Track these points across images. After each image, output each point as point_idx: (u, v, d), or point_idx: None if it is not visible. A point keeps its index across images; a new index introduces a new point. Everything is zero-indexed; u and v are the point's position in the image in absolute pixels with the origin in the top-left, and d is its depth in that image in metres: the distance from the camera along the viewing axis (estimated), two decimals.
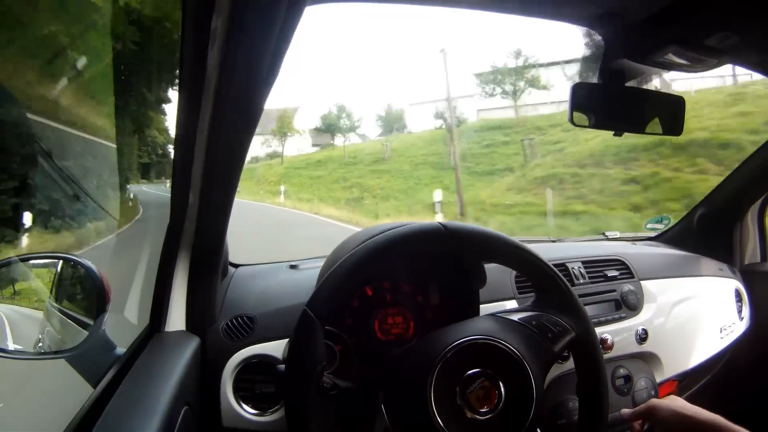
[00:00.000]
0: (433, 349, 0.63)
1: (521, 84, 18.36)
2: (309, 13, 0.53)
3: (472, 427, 0.59)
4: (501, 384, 0.61)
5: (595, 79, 0.75)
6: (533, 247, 0.73)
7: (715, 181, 1.54)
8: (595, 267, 1.22)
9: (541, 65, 18.27)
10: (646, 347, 1.14)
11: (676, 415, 0.78)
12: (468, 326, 0.68)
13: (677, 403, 0.80)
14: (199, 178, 0.73)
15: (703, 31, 0.63)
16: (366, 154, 21.46)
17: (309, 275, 1.05)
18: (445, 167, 16.51)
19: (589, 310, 0.73)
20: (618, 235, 1.63)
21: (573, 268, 1.18)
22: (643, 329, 1.14)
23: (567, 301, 0.74)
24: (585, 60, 0.77)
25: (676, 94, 0.82)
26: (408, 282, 1.02)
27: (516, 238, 0.74)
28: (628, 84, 0.77)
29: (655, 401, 0.84)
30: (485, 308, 1.00)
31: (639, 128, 0.84)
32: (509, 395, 0.60)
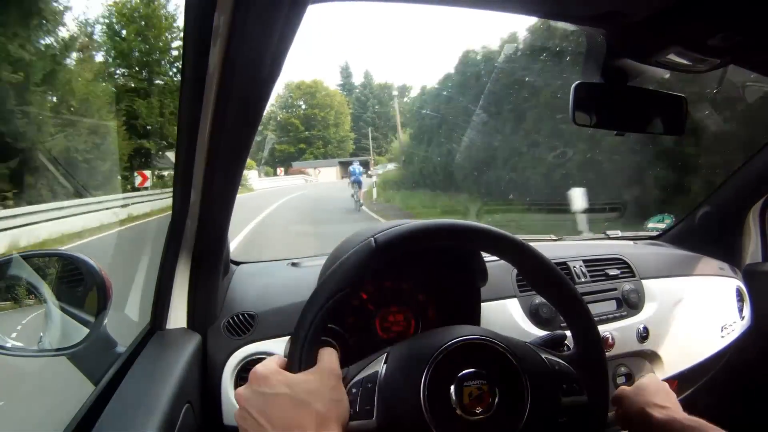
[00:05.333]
0: (429, 347, 0.63)
1: None
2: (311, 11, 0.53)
3: (464, 428, 0.59)
4: (496, 386, 0.60)
5: (596, 79, 0.75)
6: (537, 246, 0.73)
7: None
8: (597, 266, 1.22)
9: None
10: (647, 345, 1.14)
11: (637, 411, 0.77)
12: (469, 328, 0.68)
13: (645, 397, 0.78)
14: (200, 176, 0.73)
15: (706, 31, 0.62)
16: None
17: (310, 273, 1.05)
18: None
19: (591, 309, 0.72)
20: (619, 234, 1.63)
21: (574, 266, 1.18)
22: (644, 327, 1.14)
23: (598, 371, 0.70)
24: (587, 59, 0.76)
25: (677, 93, 0.82)
26: (409, 280, 1.02)
27: (520, 236, 0.74)
28: (630, 83, 0.76)
29: (625, 391, 0.82)
30: (487, 306, 1.01)
31: (641, 128, 0.84)
32: (503, 398, 0.60)
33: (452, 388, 0.59)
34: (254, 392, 0.55)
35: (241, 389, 0.58)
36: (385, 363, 0.63)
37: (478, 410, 0.59)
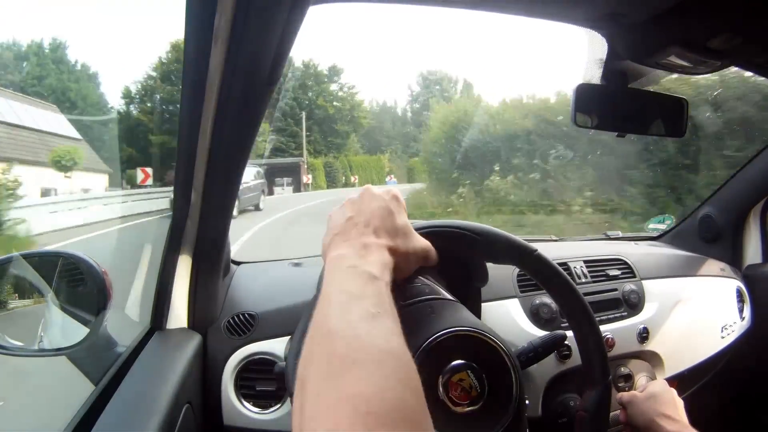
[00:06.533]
0: (417, 338, 0.62)
1: None
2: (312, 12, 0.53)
3: (453, 420, 0.58)
4: (484, 377, 0.60)
5: (598, 81, 0.75)
6: (538, 246, 0.73)
7: None
8: (597, 266, 1.22)
9: None
10: (648, 346, 1.14)
11: (647, 420, 0.80)
12: (455, 318, 0.67)
13: (656, 406, 0.81)
14: (201, 176, 0.73)
15: (706, 33, 0.63)
16: None
17: (312, 273, 1.05)
18: None
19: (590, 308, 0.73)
20: (620, 234, 1.63)
21: (575, 267, 1.18)
22: (645, 328, 1.14)
23: (603, 398, 0.71)
24: (588, 61, 0.76)
25: (678, 95, 0.82)
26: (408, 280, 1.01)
27: (520, 237, 0.73)
28: (631, 85, 0.77)
29: (636, 397, 0.85)
30: (487, 307, 1.00)
31: (642, 129, 0.84)
32: (492, 390, 0.60)
33: (440, 378, 0.59)
34: (382, 193, 0.59)
35: (371, 186, 0.60)
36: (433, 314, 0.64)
37: (466, 402, 0.58)
